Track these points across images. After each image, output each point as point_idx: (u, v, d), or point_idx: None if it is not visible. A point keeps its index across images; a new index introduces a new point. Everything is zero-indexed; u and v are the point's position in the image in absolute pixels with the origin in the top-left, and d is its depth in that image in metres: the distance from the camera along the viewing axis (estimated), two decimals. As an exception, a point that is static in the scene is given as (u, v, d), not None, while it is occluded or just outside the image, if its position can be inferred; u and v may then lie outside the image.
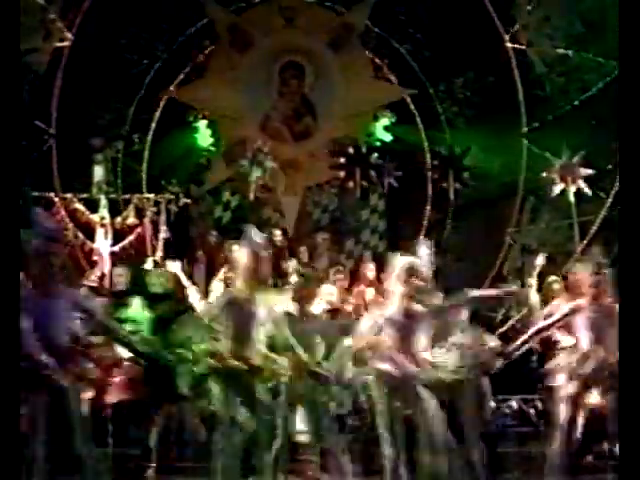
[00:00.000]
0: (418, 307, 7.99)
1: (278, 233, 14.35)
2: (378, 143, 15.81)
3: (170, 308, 9.59)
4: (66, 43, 14.66)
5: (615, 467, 7.09)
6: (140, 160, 15.41)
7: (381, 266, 13.05)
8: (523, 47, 14.95)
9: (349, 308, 11.96)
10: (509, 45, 15.03)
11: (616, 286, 7.82)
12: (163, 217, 13.70)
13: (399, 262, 7.92)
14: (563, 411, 8.09)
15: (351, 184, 15.40)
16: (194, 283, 12.05)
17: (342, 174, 15.45)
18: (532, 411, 12.84)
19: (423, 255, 8.12)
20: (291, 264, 13.35)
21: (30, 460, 6.97)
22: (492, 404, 10.75)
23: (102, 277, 12.83)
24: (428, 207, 15.63)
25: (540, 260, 11.67)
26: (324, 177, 15.78)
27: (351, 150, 15.43)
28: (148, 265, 12.44)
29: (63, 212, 14.15)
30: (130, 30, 15.10)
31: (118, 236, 13.95)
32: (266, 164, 14.79)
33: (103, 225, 13.77)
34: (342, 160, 15.42)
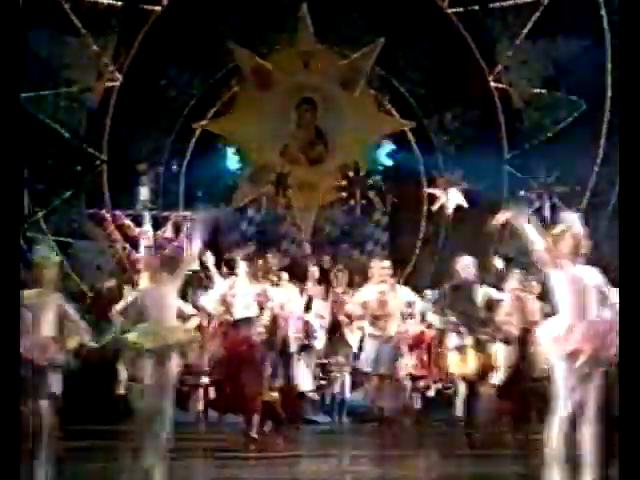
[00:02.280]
0: None
1: (307, 246, 16.05)
2: (381, 167, 17.22)
3: None
4: (116, 83, 16.11)
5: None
6: (177, 181, 16.76)
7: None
8: (504, 86, 16.31)
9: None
10: (493, 84, 16.42)
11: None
12: (198, 232, 14.56)
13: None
14: None
15: (352, 202, 16.69)
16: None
17: (344, 194, 16.74)
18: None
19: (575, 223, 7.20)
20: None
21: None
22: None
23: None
24: (424, 222, 16.97)
25: (500, 264, 12.05)
26: (334, 197, 17.07)
27: (351, 174, 16.70)
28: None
29: (112, 226, 15.51)
30: (170, 72, 16.49)
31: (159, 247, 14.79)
32: (287, 184, 16.29)
33: (146, 238, 14.97)
34: (344, 182, 16.71)
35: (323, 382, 13.22)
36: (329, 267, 14.69)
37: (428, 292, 12.80)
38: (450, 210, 16.22)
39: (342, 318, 12.93)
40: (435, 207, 16.37)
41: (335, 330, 13.06)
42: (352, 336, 12.95)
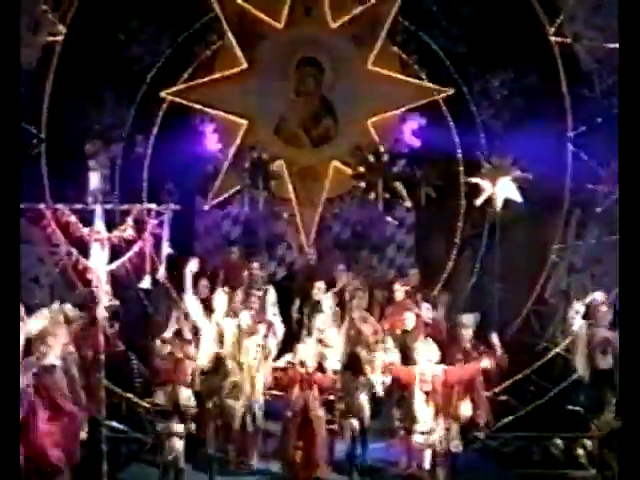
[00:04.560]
0: None
1: (312, 252, 15.23)
2: (406, 149, 15.88)
3: None
4: (59, 37, 14.77)
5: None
6: (140, 167, 15.58)
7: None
8: (569, 41, 14.87)
9: (368, 330, 12.71)
10: (553, 39, 15.03)
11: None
12: (167, 231, 13.30)
13: None
14: None
15: (373, 195, 15.52)
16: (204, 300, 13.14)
17: (363, 185, 15.49)
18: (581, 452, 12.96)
19: None
20: (318, 286, 13.91)
21: None
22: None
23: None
24: (461, 221, 15.77)
25: (472, 320, 12.31)
26: (345, 187, 15.87)
27: (372, 158, 15.45)
28: (145, 284, 12.70)
29: (54, 225, 13.53)
30: (130, 24, 15.31)
31: (115, 252, 13.45)
32: (270, 173, 15.21)
33: (98, 240, 13.14)
34: (362, 169, 15.48)
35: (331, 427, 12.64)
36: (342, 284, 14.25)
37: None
38: (499, 206, 14.69)
39: (360, 350, 12.50)
40: (479, 202, 14.86)
41: (353, 365, 12.47)
42: (375, 372, 12.57)
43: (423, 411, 11.70)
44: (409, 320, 12.97)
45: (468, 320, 12.54)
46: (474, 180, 15.06)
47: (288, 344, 12.93)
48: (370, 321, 13.06)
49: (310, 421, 11.66)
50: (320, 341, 12.82)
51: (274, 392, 12.64)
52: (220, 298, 13.05)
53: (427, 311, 13.65)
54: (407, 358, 12.41)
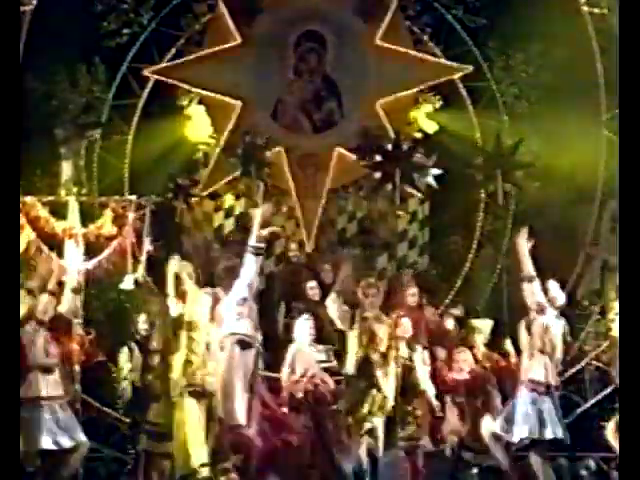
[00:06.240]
0: None
1: (293, 247, 14.73)
2: (419, 134, 15.39)
3: None
4: (27, 7, 14.35)
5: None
6: (121, 154, 15.25)
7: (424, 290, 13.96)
8: (604, 11, 14.55)
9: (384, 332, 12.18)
10: (585, 9, 14.68)
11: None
12: (147, 225, 13.15)
13: None
14: None
15: (389, 187, 14.75)
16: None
17: (378, 175, 14.74)
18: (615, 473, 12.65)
19: None
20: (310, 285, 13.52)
21: None
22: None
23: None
24: (481, 215, 15.43)
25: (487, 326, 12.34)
26: (351, 177, 15.40)
27: (390, 147, 14.80)
28: (127, 284, 12.54)
29: (23, 220, 13.22)
30: None
31: (91, 249, 13.28)
32: (264, 160, 14.86)
33: (72, 236, 13.06)
34: (378, 158, 14.72)
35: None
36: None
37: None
38: (500, 200, 14.60)
39: (374, 356, 12.12)
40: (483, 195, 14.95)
41: (363, 372, 12.15)
42: (388, 381, 12.16)
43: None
44: (405, 326, 12.35)
45: (482, 326, 12.55)
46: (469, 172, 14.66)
47: (277, 354, 12.48)
48: (386, 323, 12.29)
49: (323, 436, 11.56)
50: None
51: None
52: (204, 301, 12.04)
53: (433, 315, 13.45)
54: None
